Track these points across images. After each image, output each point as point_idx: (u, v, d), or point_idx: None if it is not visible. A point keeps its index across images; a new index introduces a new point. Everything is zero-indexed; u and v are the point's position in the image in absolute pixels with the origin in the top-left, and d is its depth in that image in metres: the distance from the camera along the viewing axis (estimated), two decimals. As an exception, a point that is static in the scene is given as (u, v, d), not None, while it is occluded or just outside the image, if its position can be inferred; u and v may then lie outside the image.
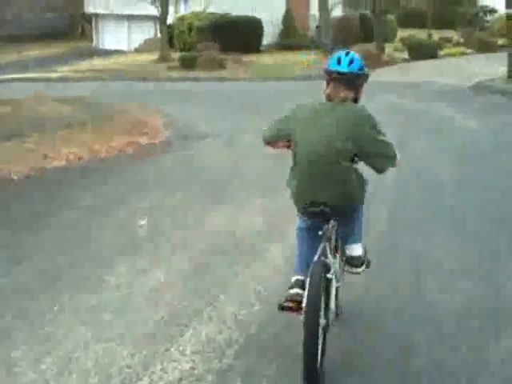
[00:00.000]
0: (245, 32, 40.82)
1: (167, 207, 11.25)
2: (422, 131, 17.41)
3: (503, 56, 25.61)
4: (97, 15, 50.55)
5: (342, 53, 6.08)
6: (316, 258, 5.82)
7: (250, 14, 42.43)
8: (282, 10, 44.47)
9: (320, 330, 5.60)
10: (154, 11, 41.88)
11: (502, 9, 30.84)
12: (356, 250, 6.54)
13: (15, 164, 13.71)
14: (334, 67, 6.02)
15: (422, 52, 34.97)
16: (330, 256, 6.03)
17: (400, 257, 8.81)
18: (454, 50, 36.23)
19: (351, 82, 6.01)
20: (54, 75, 37.05)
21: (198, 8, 42.59)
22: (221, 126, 18.84)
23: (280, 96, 25.79)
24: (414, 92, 23.59)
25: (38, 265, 8.69)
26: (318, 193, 5.92)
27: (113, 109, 21.14)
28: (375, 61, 33.54)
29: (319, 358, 5.63)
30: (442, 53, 35.74)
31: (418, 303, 7.42)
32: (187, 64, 36.23)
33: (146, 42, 47.20)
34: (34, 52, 48.87)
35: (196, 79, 32.58)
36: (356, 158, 5.94)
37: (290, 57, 39.06)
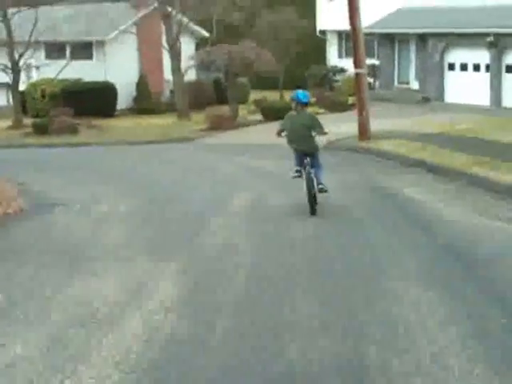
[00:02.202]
0: (98, 97, 40.78)
1: (21, 278, 10.98)
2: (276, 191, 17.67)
3: (353, 115, 26.39)
4: None
5: (300, 91, 15.32)
6: (306, 169, 14.46)
7: (102, 79, 42.44)
8: (136, 75, 44.67)
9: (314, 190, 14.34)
10: (5, 78, 41.36)
11: (350, 69, 31.93)
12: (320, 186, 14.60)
13: None
14: (297, 98, 14.88)
15: (275, 113, 35.63)
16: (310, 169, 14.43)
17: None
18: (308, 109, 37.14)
19: (305, 104, 15.02)
20: None
21: (50, 75, 42.25)
22: (77, 194, 18.55)
23: (133, 160, 25.79)
24: (269, 153, 23.97)
25: None
26: (301, 145, 14.77)
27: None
28: (229, 123, 34.04)
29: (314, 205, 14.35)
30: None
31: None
32: (40, 130, 35.85)
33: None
34: None
35: (49, 145, 32.18)
36: (313, 132, 14.71)
37: (144, 121, 39.20)
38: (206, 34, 47.25)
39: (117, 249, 12.66)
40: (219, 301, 9.56)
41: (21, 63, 40.85)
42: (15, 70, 40.66)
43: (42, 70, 43.58)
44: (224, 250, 12.24)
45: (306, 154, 14.56)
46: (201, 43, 47.26)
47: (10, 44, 40.64)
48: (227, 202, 16.49)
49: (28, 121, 38.94)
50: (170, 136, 32.53)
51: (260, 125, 34.20)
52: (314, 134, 14.63)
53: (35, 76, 44.96)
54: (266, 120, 34.88)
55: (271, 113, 34.86)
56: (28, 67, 43.60)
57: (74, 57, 43.76)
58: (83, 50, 44.58)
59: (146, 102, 43.44)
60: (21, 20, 39.43)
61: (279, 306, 9.25)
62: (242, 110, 37.56)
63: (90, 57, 44.82)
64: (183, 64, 40.33)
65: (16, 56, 40.44)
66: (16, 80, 40.97)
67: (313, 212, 14.33)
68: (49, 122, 36.14)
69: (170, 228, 14.16)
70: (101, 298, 9.85)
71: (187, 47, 43.45)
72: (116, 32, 43.78)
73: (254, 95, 42.67)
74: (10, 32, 40.41)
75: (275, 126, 31.72)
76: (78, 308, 9.50)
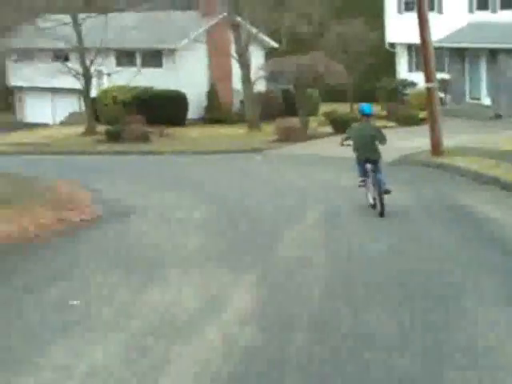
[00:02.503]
0: (169, 106, 41.01)
1: (98, 285, 11.12)
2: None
3: (425, 129, 26.14)
4: (21, 88, 50.26)
5: (364, 104, 17.25)
6: (371, 173, 15.95)
7: (172, 87, 42.72)
8: (206, 84, 44.87)
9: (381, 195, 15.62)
10: (77, 84, 41.93)
11: (420, 82, 31.62)
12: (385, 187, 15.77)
13: None
14: (362, 110, 16.84)
15: (345, 126, 35.49)
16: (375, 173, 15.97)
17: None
18: (377, 123, 36.86)
19: (369, 115, 16.71)
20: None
21: (120, 81, 42.71)
22: (151, 200, 18.81)
23: (204, 169, 25.94)
24: (339, 165, 23.90)
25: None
26: (365, 153, 16.15)
27: (41, 184, 20.95)
28: (299, 135, 33.99)
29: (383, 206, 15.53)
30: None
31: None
32: (113, 137, 36.26)
33: (70, 115, 47.07)
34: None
35: (122, 153, 32.55)
36: (376, 141, 16.12)
37: (214, 131, 39.33)
38: (275, 44, 47.29)
39: (192, 257, 12.76)
40: (295, 314, 9.55)
41: (92, 70, 41.45)
42: (86, 77, 41.21)
43: (114, 77, 44.08)
44: (299, 262, 12.23)
45: (370, 161, 16.12)
46: (270, 54, 47.32)
47: (80, 50, 41.25)
48: (299, 213, 16.48)
49: (100, 128, 39.34)
50: (240, 146, 32.62)
51: (330, 137, 34.08)
52: (376, 142, 16.23)
53: (106, 83, 45.48)
54: (336, 132, 34.70)
55: (341, 125, 34.66)
56: (99, 74, 44.16)
57: (144, 64, 44.26)
58: (153, 57, 44.93)
59: (216, 112, 43.58)
60: (91, 26, 39.95)
61: (355, 322, 9.21)
62: (312, 122, 37.49)
63: (159, 65, 45.11)
64: (253, 74, 40.43)
65: (87, 62, 41.05)
66: (87, 86, 41.50)
67: (381, 213, 15.57)
68: (121, 130, 36.51)
69: (244, 238, 14.22)
70: (178, 306, 9.93)
71: (256, 57, 43.54)
72: (186, 40, 43.96)
73: (324, 107, 42.57)
74: (80, 38, 40.99)
75: (345, 138, 31.52)
76: (156, 316, 9.58)
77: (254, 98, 40.32)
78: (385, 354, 8.09)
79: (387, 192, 15.80)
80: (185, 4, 50.23)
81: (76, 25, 40.87)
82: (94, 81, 43.06)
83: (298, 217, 16.18)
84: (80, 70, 41.20)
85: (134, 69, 43.05)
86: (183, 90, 42.46)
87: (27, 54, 46.18)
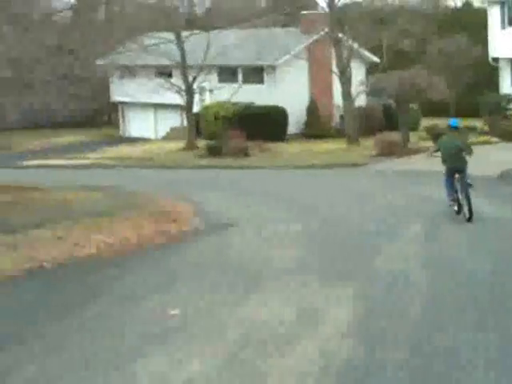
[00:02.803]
0: (269, 121, 41.22)
1: (199, 296, 11.20)
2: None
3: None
4: (123, 103, 51.30)
5: (452, 119, 19.72)
6: (458, 182, 16.92)
7: (273, 103, 42.94)
8: (306, 100, 44.94)
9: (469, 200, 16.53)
10: (179, 100, 42.63)
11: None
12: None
13: (46, 252, 13.74)
14: (449, 124, 18.28)
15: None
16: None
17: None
18: (480, 138, 36.29)
19: (456, 128, 18.22)
20: (81, 162, 37.55)
21: (222, 97, 43.18)
22: (250, 214, 18.92)
23: (301, 185, 25.90)
24: (438, 180, 23.53)
25: (69, 355, 8.63)
26: (454, 163, 17.02)
27: (142, 196, 21.31)
28: (399, 150, 33.69)
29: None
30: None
31: None
32: (214, 152, 36.67)
33: (172, 130, 47.81)
34: (61, 139, 49.55)
35: (222, 167, 32.86)
36: (463, 152, 17.00)
37: (314, 146, 39.29)
38: (376, 59, 47.08)
39: (290, 270, 12.74)
40: (394, 330, 9.41)
41: (194, 86, 42.10)
42: (189, 93, 41.91)
43: (215, 93, 44.60)
44: (399, 277, 12.07)
45: (457, 171, 17.15)
46: (371, 68, 47.13)
47: (183, 67, 41.93)
48: (399, 227, 16.34)
49: (201, 142, 39.85)
50: (339, 161, 32.51)
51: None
52: (464, 153, 17.17)
53: (208, 99, 46.02)
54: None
55: (442, 140, 34.26)
56: (201, 90, 44.74)
57: (245, 81, 44.69)
58: (254, 74, 45.30)
59: (315, 127, 43.58)
60: (194, 43, 40.64)
61: (458, 343, 8.95)
62: (413, 137, 37.13)
63: (260, 81, 45.42)
64: (353, 89, 40.34)
65: (190, 79, 41.68)
66: (190, 102, 42.21)
67: (469, 218, 16.36)
68: (222, 144, 36.89)
69: (343, 252, 14.15)
70: (275, 319, 9.91)
71: (357, 72, 43.43)
72: (287, 57, 44.20)
73: (425, 122, 42.11)
74: (183, 55, 41.70)
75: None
76: (254, 328, 9.58)
77: (354, 112, 40.21)
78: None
79: (470, 185, 17.01)
80: (286, 21, 50.53)
81: (179, 42, 41.64)
82: (197, 96, 43.69)
83: (398, 231, 16.03)
84: (183, 86, 41.93)
85: (235, 85, 43.47)
86: (283, 106, 42.66)
87: (131, 71, 47.10)
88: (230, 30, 46.23)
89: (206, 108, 44.56)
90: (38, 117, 49.66)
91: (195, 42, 40.72)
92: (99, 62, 27.30)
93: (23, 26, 21.77)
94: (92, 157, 39.99)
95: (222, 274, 12.54)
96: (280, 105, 42.75)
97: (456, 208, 17.05)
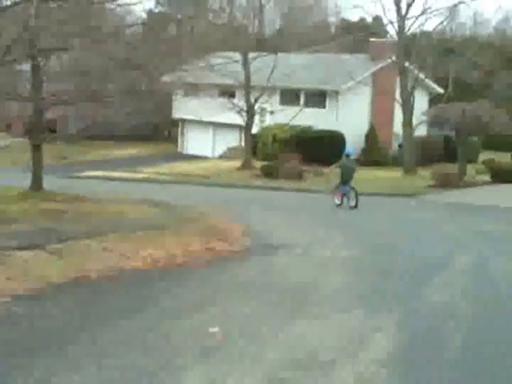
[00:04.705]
0: (326, 145, 41.19)
1: (241, 315, 11.18)
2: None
3: None
4: (183, 121, 51.73)
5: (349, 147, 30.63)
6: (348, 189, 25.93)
7: (333, 127, 42.91)
8: (366, 126, 44.86)
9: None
10: (239, 120, 42.83)
11: None
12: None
13: (94, 263, 13.85)
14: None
15: (504, 175, 34.68)
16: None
17: None
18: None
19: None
20: (138, 176, 37.91)
21: (282, 120, 43.29)
22: (299, 236, 18.91)
23: (354, 211, 25.80)
24: (494, 215, 23.36)
25: (108, 366, 8.68)
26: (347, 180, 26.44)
27: (193, 213, 21.42)
28: (456, 182, 33.43)
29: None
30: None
31: None
32: (269, 173, 36.79)
33: (229, 149, 48.09)
34: (120, 152, 50.18)
35: (276, 188, 32.99)
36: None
37: (370, 173, 39.09)
38: (440, 90, 46.83)
39: (336, 296, 12.66)
40: (433, 361, 9.29)
41: (256, 107, 42.30)
42: (250, 114, 42.12)
43: (276, 115, 44.74)
44: (444, 309, 11.93)
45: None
46: (434, 99, 46.89)
47: (247, 88, 42.18)
48: (449, 260, 16.16)
49: (257, 163, 40.05)
50: (395, 190, 32.35)
51: (488, 186, 33.35)
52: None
53: (268, 120, 46.19)
54: (495, 181, 33.98)
55: (501, 174, 33.95)
56: (262, 111, 44.92)
57: (307, 104, 44.76)
58: (317, 98, 45.39)
59: (373, 154, 43.45)
60: (259, 64, 40.84)
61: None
62: (471, 170, 36.80)
63: (322, 105, 45.50)
64: (415, 119, 40.16)
65: (252, 100, 41.89)
66: (250, 123, 42.43)
67: None
68: (278, 166, 37.01)
69: (390, 280, 14.04)
70: (317, 343, 9.84)
71: (420, 102, 43.30)
72: (351, 83, 44.17)
73: (484, 155, 41.74)
74: (248, 76, 41.95)
75: (505, 188, 30.86)
76: (295, 351, 9.52)
77: (413, 142, 40.04)
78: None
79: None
80: (355, 47, 50.56)
81: (246, 63, 41.90)
82: (257, 117, 43.86)
83: (448, 263, 15.87)
84: (244, 106, 42.16)
85: (296, 108, 43.56)
86: (342, 131, 42.62)
87: (195, 89, 47.50)
88: (298, 53, 46.39)
89: (264, 129, 44.76)
90: (100, 128, 50.33)
91: (261, 62, 40.93)
92: (165, 78, 27.54)
93: (93, 38, 22.07)
94: (150, 171, 40.35)
95: (267, 296, 12.50)
96: (339, 129, 42.74)
97: None
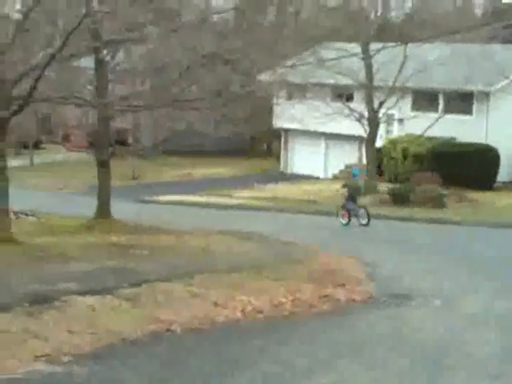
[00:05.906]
0: (474, 163, 40.54)
1: (365, 381, 11.20)
2: None
3: None
4: (287, 131, 51.73)
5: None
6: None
7: (483, 140, 42.33)
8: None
9: None
10: (358, 130, 42.50)
11: None
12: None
13: (177, 312, 14.03)
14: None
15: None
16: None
17: None
18: None
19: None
20: (226, 201, 38.28)
21: (415, 130, 42.81)
22: (437, 283, 18.77)
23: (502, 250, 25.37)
24: None
25: None
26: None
27: (299, 250, 21.54)
28: None
29: None
30: None
31: None
32: (399, 199, 36.55)
33: (346, 167, 47.40)
34: (205, 170, 50.69)
35: (408, 219, 32.79)
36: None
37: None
38: None
39: (485, 361, 12.53)
40: None
41: (380, 113, 41.94)
42: (373, 122, 41.73)
43: (406, 124, 44.43)
44: None
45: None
46: None
47: (369, 88, 41.97)
48: None
49: (383, 185, 39.74)
50: None
51: None
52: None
53: (396, 130, 45.97)
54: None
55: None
56: (389, 119, 44.64)
57: (447, 110, 43.90)
58: (460, 101, 44.56)
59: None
60: (384, 58, 40.40)
61: None
62: None
63: (468, 111, 44.72)
64: None
65: (375, 104, 41.66)
66: (373, 134, 41.99)
67: None
68: (410, 190, 36.80)
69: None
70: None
71: None
72: (505, 81, 43.39)
73: None
74: (370, 73, 41.68)
75: None
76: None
77: None
78: None
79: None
80: (507, 36, 49.49)
81: (367, 56, 41.48)
82: (382, 127, 43.50)
83: None
84: (365, 112, 41.89)
85: (433, 114, 43.05)
86: (495, 145, 41.86)
87: (300, 90, 47.54)
88: (434, 43, 45.56)
89: (392, 142, 44.50)
90: (181, 141, 51.03)
91: (386, 56, 40.53)
92: (263, 76, 27.62)
93: (171, 26, 22.23)
94: (241, 195, 40.70)
95: (394, 359, 12.48)
96: (491, 143, 42.07)
97: None
